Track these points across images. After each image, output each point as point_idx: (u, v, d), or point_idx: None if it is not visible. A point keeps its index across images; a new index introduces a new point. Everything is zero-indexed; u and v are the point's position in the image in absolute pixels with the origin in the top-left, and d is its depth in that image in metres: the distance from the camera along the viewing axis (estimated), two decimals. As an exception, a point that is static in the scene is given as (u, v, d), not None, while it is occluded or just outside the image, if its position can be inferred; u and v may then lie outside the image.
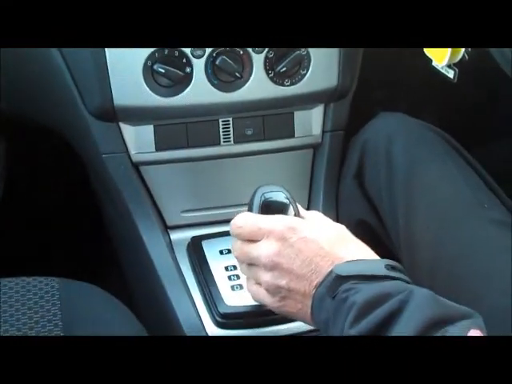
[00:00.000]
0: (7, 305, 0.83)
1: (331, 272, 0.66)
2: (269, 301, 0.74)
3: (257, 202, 0.78)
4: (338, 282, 0.64)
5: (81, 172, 1.10)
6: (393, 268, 0.66)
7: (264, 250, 0.71)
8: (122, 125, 0.96)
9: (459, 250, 0.81)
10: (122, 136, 0.97)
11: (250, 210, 0.79)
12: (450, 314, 0.58)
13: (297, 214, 0.78)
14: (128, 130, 0.97)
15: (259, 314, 0.90)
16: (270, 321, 0.91)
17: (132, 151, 0.97)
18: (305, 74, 0.97)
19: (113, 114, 0.94)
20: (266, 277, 0.72)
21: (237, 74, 0.94)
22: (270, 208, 0.78)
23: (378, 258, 0.71)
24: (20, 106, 1.03)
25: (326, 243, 0.69)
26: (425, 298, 0.60)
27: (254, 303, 0.90)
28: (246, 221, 0.76)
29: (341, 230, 0.74)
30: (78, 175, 1.13)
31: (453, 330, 0.56)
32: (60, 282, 0.86)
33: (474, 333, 0.55)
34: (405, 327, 0.57)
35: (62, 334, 0.80)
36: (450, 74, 0.94)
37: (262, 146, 1.01)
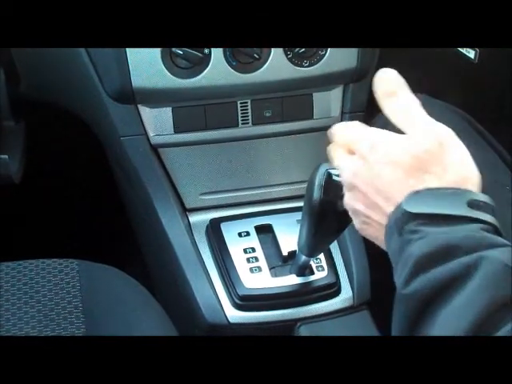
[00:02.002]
0: (28, 286, 0.84)
1: (399, 205, 0.54)
2: (354, 222, 0.64)
3: (320, 178, 0.75)
4: (404, 219, 0.53)
5: (100, 155, 1.11)
6: (477, 206, 0.53)
7: (345, 168, 0.62)
8: (140, 107, 0.96)
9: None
10: (141, 118, 0.97)
11: (312, 186, 0.76)
12: None
13: None
14: (146, 113, 0.96)
15: (277, 297, 0.90)
16: (288, 303, 0.91)
17: (150, 133, 0.97)
18: (324, 55, 0.96)
19: (131, 97, 0.94)
20: (346, 197, 0.63)
21: (255, 55, 0.93)
22: (332, 184, 0.75)
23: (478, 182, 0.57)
24: (39, 90, 1.04)
25: (409, 165, 0.56)
26: (497, 269, 0.48)
27: (273, 285, 0.91)
28: (340, 128, 0.65)
29: (437, 143, 0.57)
30: (97, 158, 1.13)
31: None
32: (80, 264, 0.87)
33: None
34: (465, 306, 0.48)
35: (81, 316, 0.81)
36: (471, 54, 0.93)
37: (281, 128, 1.00)
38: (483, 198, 0.54)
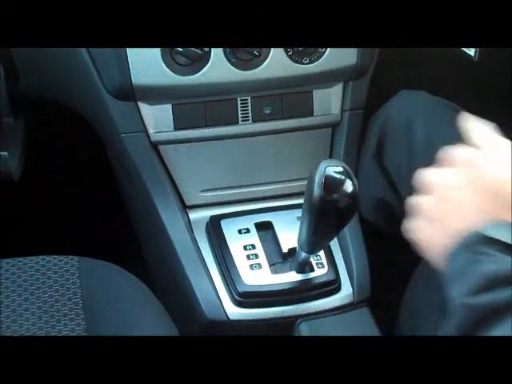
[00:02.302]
0: (28, 283, 0.84)
1: (478, 229, 0.57)
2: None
3: (320, 175, 0.76)
4: (479, 241, 0.56)
5: (100, 152, 1.10)
6: None
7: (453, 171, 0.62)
8: (140, 104, 0.96)
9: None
10: (141, 115, 0.97)
11: (312, 183, 0.77)
12: None
13: (356, 187, 0.76)
14: (146, 110, 0.96)
15: (277, 293, 0.91)
16: (288, 300, 0.91)
17: (150, 130, 0.97)
18: (324, 52, 0.96)
19: (131, 93, 0.94)
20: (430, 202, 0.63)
21: (255, 53, 0.93)
22: (332, 181, 0.76)
23: None
24: (39, 87, 1.04)
25: (494, 195, 0.58)
26: None
27: (273, 282, 0.91)
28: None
29: None
30: (97, 155, 1.13)
31: None
32: (80, 260, 0.87)
33: None
34: None
35: (81, 312, 0.81)
36: (471, 51, 0.93)
37: (281, 125, 1.00)
38: None
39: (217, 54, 0.93)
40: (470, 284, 0.54)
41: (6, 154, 1.01)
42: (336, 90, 1.02)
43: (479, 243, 0.56)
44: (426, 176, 0.64)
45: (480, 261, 0.55)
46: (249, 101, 0.98)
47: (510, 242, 0.55)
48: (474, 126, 0.65)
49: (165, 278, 1.05)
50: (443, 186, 0.61)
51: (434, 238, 0.61)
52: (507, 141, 0.64)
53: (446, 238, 0.59)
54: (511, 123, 1.20)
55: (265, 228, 0.97)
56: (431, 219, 0.62)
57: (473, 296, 0.53)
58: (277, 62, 0.95)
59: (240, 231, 0.96)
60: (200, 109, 0.97)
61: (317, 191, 0.75)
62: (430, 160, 0.88)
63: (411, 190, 0.89)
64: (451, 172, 0.61)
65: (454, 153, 0.62)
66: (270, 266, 0.92)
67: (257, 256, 0.93)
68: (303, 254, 0.87)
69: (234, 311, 0.91)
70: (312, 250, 0.86)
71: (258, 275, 0.91)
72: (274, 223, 0.97)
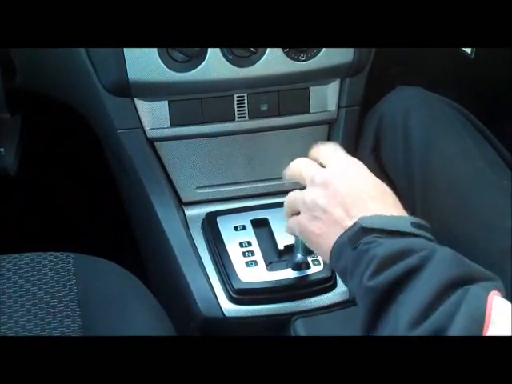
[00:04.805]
0: (23, 280, 0.84)
1: (356, 223, 0.65)
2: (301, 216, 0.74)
3: None
4: (361, 234, 0.64)
5: (96, 148, 1.10)
6: (419, 226, 0.65)
7: (306, 197, 0.72)
8: (136, 100, 0.96)
9: (477, 225, 0.81)
10: (137, 112, 0.97)
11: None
12: (471, 274, 0.57)
13: None
14: (143, 106, 0.96)
15: (273, 290, 0.91)
16: (284, 297, 0.91)
17: (147, 127, 0.97)
18: (320, 49, 0.96)
19: (128, 90, 0.94)
20: (308, 190, 0.73)
21: (252, 49, 0.93)
22: None
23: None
24: (35, 82, 1.03)
25: (358, 196, 0.68)
26: (447, 256, 0.59)
27: (268, 279, 0.91)
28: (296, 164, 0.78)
29: (378, 183, 0.71)
30: (94, 151, 1.13)
31: (474, 290, 0.55)
32: (76, 257, 0.87)
33: (495, 294, 0.54)
34: (424, 284, 0.57)
35: (77, 309, 0.81)
36: (468, 49, 0.93)
37: (277, 122, 1.00)
38: (422, 221, 0.66)
39: (213, 50, 0.93)
40: (366, 271, 0.61)
41: (2, 149, 1.01)
42: (333, 87, 1.02)
43: (361, 236, 0.63)
44: (297, 198, 0.74)
45: (366, 250, 0.62)
46: (245, 97, 0.98)
47: (384, 228, 0.63)
48: (321, 150, 0.76)
49: (160, 275, 1.05)
50: (311, 204, 0.70)
51: (320, 242, 0.70)
52: (349, 157, 0.74)
53: (329, 240, 0.67)
54: (508, 120, 1.21)
55: (261, 225, 0.97)
56: (311, 232, 0.71)
57: (372, 279, 0.60)
58: (273, 59, 0.95)
59: (236, 228, 0.96)
60: (196, 105, 0.97)
61: None
62: (426, 156, 0.88)
63: (408, 186, 0.89)
64: (315, 191, 0.70)
65: (314, 175, 0.72)
66: (266, 263, 0.92)
67: (253, 253, 0.93)
68: (299, 256, 0.88)
69: (229, 308, 0.91)
70: (308, 252, 0.86)
71: (254, 272, 0.91)
72: (270, 220, 0.97)
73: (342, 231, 0.66)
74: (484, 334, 0.51)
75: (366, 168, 0.73)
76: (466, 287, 0.56)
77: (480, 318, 0.52)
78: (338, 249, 0.66)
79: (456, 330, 0.52)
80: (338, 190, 0.68)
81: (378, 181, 0.71)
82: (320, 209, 0.69)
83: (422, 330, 0.54)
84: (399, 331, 0.55)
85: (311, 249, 0.74)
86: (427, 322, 0.54)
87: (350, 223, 0.65)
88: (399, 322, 0.56)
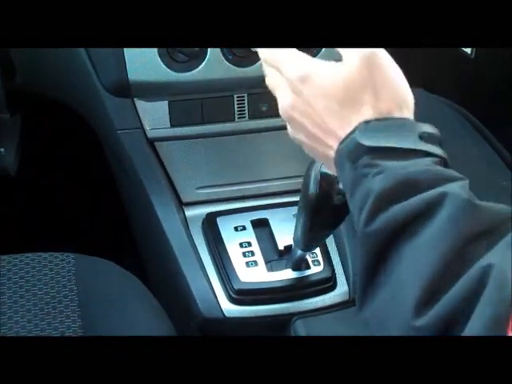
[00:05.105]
0: (24, 280, 0.84)
1: (351, 135, 0.53)
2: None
3: (315, 173, 0.76)
4: (358, 152, 0.52)
5: (96, 148, 1.10)
6: (428, 138, 0.53)
7: (281, 100, 0.62)
8: (136, 101, 0.96)
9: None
10: (137, 112, 0.97)
11: (308, 180, 0.76)
12: (494, 226, 0.47)
13: None
14: (143, 106, 0.96)
15: (273, 291, 0.91)
16: (284, 297, 0.91)
17: (147, 127, 0.97)
18: (320, 49, 0.96)
19: (128, 90, 0.94)
20: (288, 128, 0.63)
21: (252, 49, 0.93)
22: (328, 178, 0.75)
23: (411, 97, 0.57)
24: (35, 83, 1.03)
25: (341, 95, 0.55)
26: (460, 204, 0.48)
27: (269, 279, 0.91)
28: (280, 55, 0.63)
29: (365, 68, 0.56)
30: (94, 151, 1.13)
31: (500, 264, 0.43)
32: (76, 257, 0.87)
33: None
34: (433, 239, 0.46)
35: (77, 309, 0.81)
36: (468, 49, 0.93)
37: (278, 122, 1.00)
38: (431, 129, 0.54)
39: (213, 50, 0.93)
40: (364, 210, 0.50)
41: (2, 149, 1.01)
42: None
43: (359, 155, 0.52)
44: (279, 103, 0.62)
45: (365, 176, 0.51)
46: (245, 98, 0.98)
47: (385, 145, 0.51)
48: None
49: (161, 275, 1.05)
50: (294, 107, 0.60)
51: (321, 159, 0.60)
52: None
53: (327, 156, 0.57)
54: (508, 120, 1.21)
55: (261, 225, 0.97)
56: (307, 143, 0.61)
57: (370, 223, 0.49)
58: (273, 59, 0.95)
59: (236, 228, 0.96)
60: (196, 105, 0.97)
61: (312, 188, 0.75)
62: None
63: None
64: (294, 93, 0.59)
65: (288, 74, 0.60)
66: (266, 263, 0.92)
67: (253, 253, 0.93)
68: (299, 252, 0.87)
69: (229, 308, 0.91)
70: (308, 248, 0.86)
71: (254, 272, 0.91)
72: (270, 220, 0.97)
73: (337, 142, 0.55)
74: None
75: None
76: (488, 264, 0.43)
77: (505, 299, 0.41)
78: (340, 163, 0.55)
79: (481, 319, 0.42)
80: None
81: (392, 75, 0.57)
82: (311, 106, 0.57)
83: (431, 318, 0.45)
84: (403, 315, 0.46)
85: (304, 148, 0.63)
86: (438, 305, 0.44)
87: (347, 131, 0.54)
88: (403, 300, 0.47)
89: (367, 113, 0.54)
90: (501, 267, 0.43)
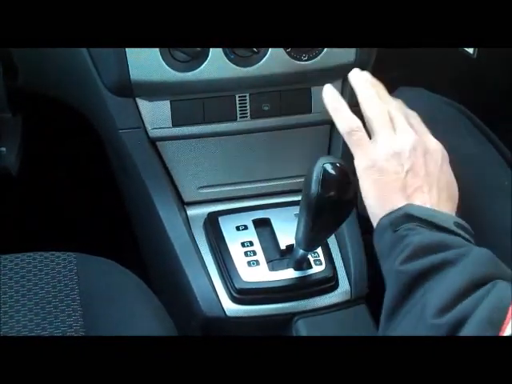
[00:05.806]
0: (25, 279, 0.84)
1: (400, 208, 0.66)
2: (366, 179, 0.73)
3: (317, 172, 0.76)
4: (403, 219, 0.65)
5: (98, 147, 1.10)
6: (461, 227, 0.66)
7: (408, 137, 0.72)
8: (138, 100, 0.96)
9: (478, 225, 0.80)
10: (139, 111, 0.97)
11: (310, 180, 0.76)
12: (504, 274, 0.59)
13: (354, 184, 0.75)
14: (145, 106, 0.96)
15: (275, 290, 0.91)
16: (286, 297, 0.91)
17: (149, 127, 0.97)
18: (322, 49, 0.96)
19: (130, 90, 0.94)
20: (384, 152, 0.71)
21: (254, 49, 0.93)
22: (330, 178, 0.76)
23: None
24: (37, 82, 1.04)
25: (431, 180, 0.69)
26: (483, 255, 0.60)
27: (270, 279, 0.91)
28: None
29: (452, 176, 0.72)
30: (96, 151, 1.13)
31: (502, 284, 0.57)
32: (78, 257, 0.87)
33: None
34: (456, 276, 0.58)
35: (79, 309, 0.81)
36: (470, 49, 0.92)
37: (279, 122, 1.00)
38: (465, 224, 0.66)
39: (215, 50, 0.93)
40: (401, 255, 0.62)
41: (4, 149, 1.01)
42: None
43: (403, 221, 0.65)
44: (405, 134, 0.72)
45: (405, 236, 0.63)
46: (247, 97, 0.98)
47: (427, 218, 0.64)
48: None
49: (162, 274, 1.05)
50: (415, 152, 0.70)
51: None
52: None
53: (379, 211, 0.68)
54: (511, 120, 1.20)
55: (263, 225, 0.97)
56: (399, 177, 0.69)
57: (404, 264, 0.61)
58: (275, 59, 0.95)
59: (238, 228, 0.96)
60: (198, 105, 0.97)
61: (314, 188, 0.75)
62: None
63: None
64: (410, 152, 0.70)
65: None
66: (268, 262, 0.92)
67: (254, 253, 0.93)
68: (301, 251, 0.87)
69: (231, 308, 0.91)
70: (309, 247, 0.86)
71: (256, 272, 0.91)
72: (271, 220, 0.97)
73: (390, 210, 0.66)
74: (506, 325, 0.51)
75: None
76: (495, 281, 0.57)
77: (503, 308, 0.52)
78: (380, 230, 0.67)
79: (477, 318, 0.53)
80: (427, 164, 0.70)
81: (451, 173, 0.72)
82: (401, 165, 0.69)
83: (449, 318, 0.55)
84: (425, 317, 0.56)
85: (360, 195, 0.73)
86: (454, 310, 0.55)
87: (399, 204, 0.66)
88: (426, 307, 0.57)
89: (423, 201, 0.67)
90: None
